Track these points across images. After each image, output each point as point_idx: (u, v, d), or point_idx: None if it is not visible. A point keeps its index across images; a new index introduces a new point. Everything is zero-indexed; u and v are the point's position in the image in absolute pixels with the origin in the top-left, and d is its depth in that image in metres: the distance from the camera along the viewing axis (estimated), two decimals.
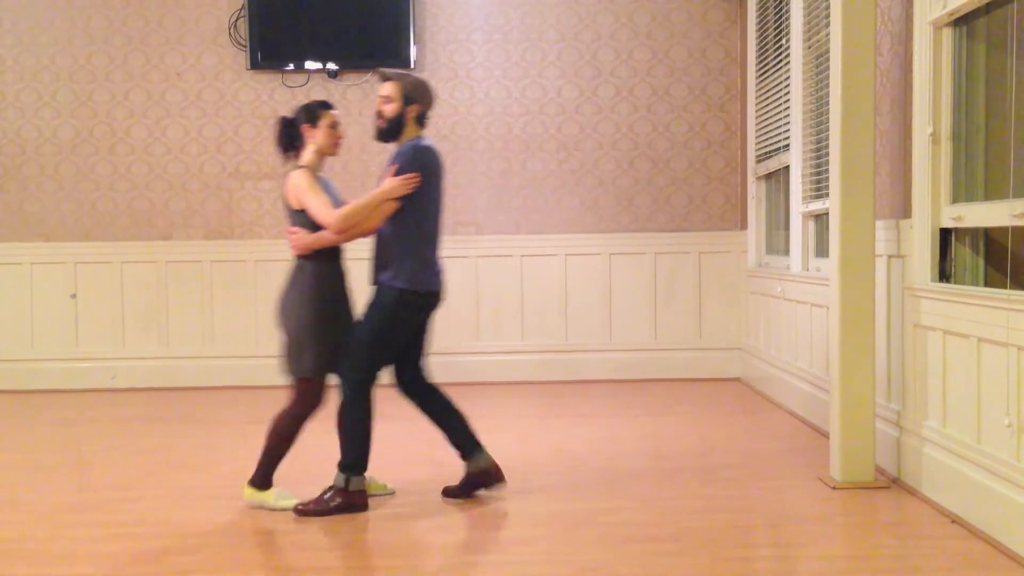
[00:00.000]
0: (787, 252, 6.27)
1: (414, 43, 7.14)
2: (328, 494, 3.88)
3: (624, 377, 7.21)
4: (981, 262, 3.93)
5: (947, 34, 3.95)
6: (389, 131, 3.99)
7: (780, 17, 6.28)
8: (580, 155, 7.28)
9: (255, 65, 7.16)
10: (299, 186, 3.90)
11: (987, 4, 3.70)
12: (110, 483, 4.46)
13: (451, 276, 7.26)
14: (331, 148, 4.03)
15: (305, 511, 3.86)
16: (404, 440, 5.15)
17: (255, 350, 7.25)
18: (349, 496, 3.88)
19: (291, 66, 7.16)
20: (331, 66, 7.14)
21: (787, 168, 6.18)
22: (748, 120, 7.00)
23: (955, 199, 3.96)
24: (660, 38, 7.26)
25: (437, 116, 7.24)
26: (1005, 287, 3.57)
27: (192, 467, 4.76)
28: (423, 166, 3.89)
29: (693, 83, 7.26)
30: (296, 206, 3.92)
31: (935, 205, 3.99)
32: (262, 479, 3.96)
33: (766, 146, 6.66)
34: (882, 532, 3.69)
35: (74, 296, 7.24)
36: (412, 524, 3.77)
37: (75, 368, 7.25)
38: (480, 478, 4.07)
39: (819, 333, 5.44)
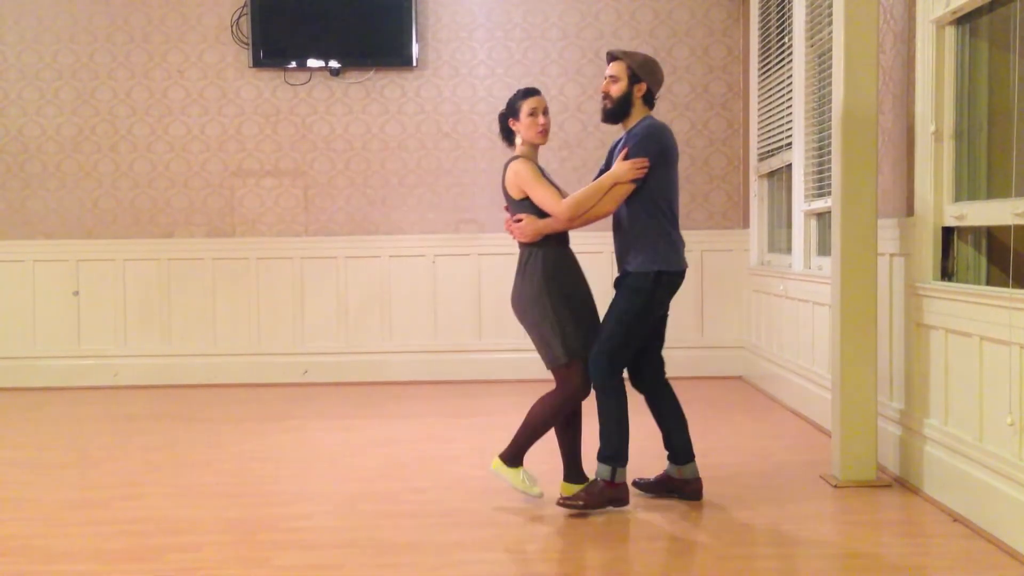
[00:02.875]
0: (789, 250, 6.27)
1: (416, 41, 7.14)
2: (597, 487, 3.81)
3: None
4: (983, 260, 3.93)
5: (950, 32, 3.95)
6: (615, 112, 3.91)
7: (782, 15, 6.27)
8: (582, 153, 7.28)
9: (257, 63, 7.16)
10: (522, 176, 3.84)
11: (990, 2, 3.69)
12: (112, 480, 4.46)
13: (454, 274, 7.32)
14: (535, 136, 3.93)
15: (571, 503, 3.78)
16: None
17: (257, 347, 7.26)
18: (616, 489, 3.82)
19: (293, 64, 7.16)
20: (333, 64, 7.14)
21: (789, 166, 6.18)
22: (750, 118, 7.00)
23: (957, 197, 3.95)
24: (662, 36, 7.25)
25: (439, 114, 7.25)
26: (1007, 286, 3.56)
27: (194, 464, 4.77)
28: (655, 148, 3.81)
29: (695, 81, 7.26)
30: (518, 196, 3.88)
31: (937, 203, 3.99)
32: (512, 456, 3.97)
33: (768, 144, 6.65)
34: (884, 531, 3.68)
35: (77, 293, 7.25)
36: (410, 522, 3.77)
37: (77, 365, 7.26)
38: (677, 484, 4.06)
39: (821, 331, 5.43)
